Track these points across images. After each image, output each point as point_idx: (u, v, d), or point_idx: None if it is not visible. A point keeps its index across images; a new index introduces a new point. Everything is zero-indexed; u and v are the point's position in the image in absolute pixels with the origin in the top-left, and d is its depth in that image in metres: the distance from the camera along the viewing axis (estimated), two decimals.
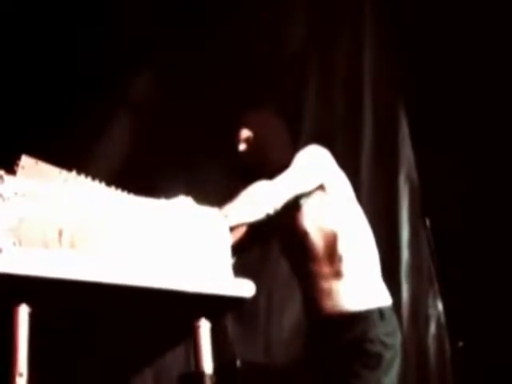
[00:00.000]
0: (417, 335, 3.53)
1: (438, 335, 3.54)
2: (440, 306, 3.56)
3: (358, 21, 3.82)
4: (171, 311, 1.69)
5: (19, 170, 1.62)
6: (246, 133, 2.45)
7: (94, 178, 1.70)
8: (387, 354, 2.22)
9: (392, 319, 2.30)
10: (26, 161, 1.64)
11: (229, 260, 1.74)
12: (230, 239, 1.78)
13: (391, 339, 2.25)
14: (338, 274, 2.27)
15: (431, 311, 3.56)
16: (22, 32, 3.28)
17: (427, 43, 3.52)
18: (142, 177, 3.14)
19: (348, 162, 3.61)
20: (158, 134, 3.49)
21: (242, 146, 2.44)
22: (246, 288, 1.71)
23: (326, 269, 2.29)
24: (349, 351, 2.23)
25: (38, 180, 1.57)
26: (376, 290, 2.32)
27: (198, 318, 1.70)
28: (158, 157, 3.42)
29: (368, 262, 2.34)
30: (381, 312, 2.26)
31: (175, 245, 1.67)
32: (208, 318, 1.71)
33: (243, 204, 2.13)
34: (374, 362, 2.20)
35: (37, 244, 1.48)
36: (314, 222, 2.33)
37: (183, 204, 1.91)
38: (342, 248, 2.29)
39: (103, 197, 1.63)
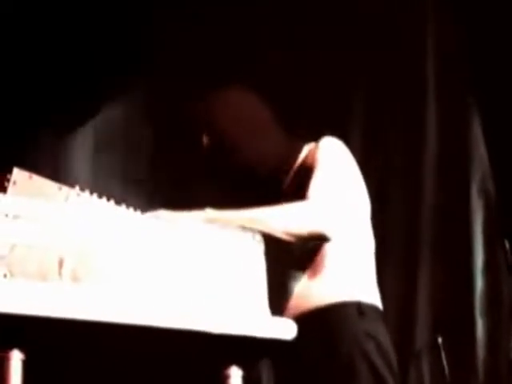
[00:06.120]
0: None
1: None
2: None
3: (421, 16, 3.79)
4: (194, 358, 1.69)
5: (10, 186, 1.61)
6: (204, 138, 2.17)
7: (100, 195, 1.68)
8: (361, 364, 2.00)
9: (377, 321, 2.11)
10: (18, 174, 1.63)
11: (265, 294, 1.72)
12: (265, 265, 1.75)
13: (372, 344, 2.04)
14: (314, 272, 2.11)
15: None
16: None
17: (503, 30, 3.49)
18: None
19: (407, 172, 3.63)
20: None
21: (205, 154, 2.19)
22: (285, 328, 1.68)
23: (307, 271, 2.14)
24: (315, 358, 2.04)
25: (34, 198, 1.56)
26: (358, 284, 2.14)
27: (227, 365, 1.69)
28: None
29: (353, 258, 2.15)
30: (359, 307, 2.07)
31: (199, 276, 1.66)
32: (239, 365, 1.70)
33: (290, 212, 2.02)
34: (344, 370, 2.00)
35: (32, 276, 1.48)
36: None
37: (209, 224, 1.89)
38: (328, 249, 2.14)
39: (112, 218, 1.62)
